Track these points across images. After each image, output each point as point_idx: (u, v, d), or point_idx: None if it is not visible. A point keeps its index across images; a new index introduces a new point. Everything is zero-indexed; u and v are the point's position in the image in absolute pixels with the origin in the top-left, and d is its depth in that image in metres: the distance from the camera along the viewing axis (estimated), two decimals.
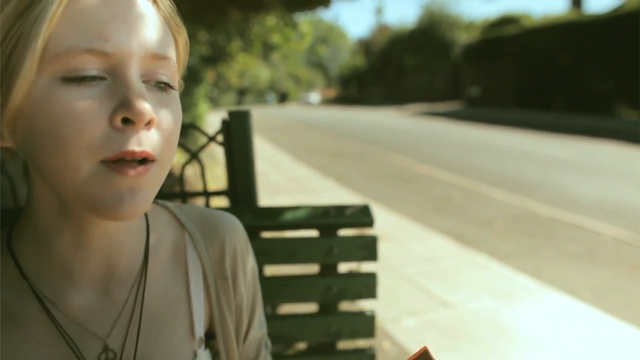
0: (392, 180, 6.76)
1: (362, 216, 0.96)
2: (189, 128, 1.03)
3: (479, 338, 2.42)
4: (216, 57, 9.16)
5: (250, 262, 0.66)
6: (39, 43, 0.40)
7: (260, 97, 44.67)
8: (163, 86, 0.46)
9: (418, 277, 3.20)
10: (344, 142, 11.48)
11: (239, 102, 37.38)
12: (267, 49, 8.90)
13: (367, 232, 1.21)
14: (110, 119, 0.41)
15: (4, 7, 0.41)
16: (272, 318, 0.95)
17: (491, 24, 25.63)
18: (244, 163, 1.02)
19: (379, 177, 7.01)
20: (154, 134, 0.44)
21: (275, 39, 7.54)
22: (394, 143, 10.99)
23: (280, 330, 0.93)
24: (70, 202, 0.46)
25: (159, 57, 0.45)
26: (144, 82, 0.45)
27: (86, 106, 0.41)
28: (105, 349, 0.53)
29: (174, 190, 1.02)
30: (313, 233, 0.97)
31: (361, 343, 1.51)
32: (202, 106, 9.27)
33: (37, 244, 0.51)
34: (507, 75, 21.56)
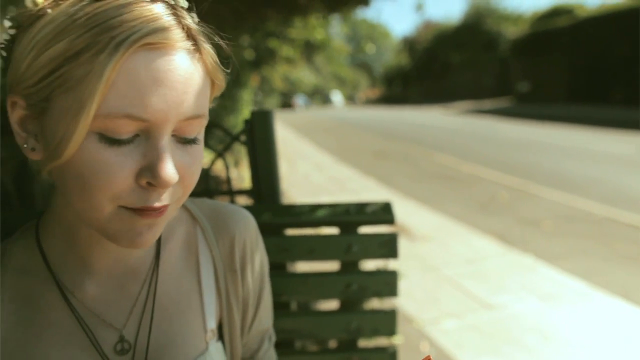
0: (435, 179, 6.63)
1: (382, 213, 0.95)
2: (212, 127, 1.05)
3: (523, 342, 2.33)
4: (260, 60, 9.29)
5: (259, 256, 0.67)
6: (93, 108, 0.40)
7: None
8: (192, 139, 0.47)
9: (460, 278, 3.11)
10: (387, 142, 11.37)
11: (284, 105, 37.75)
12: (310, 50, 8.92)
13: (393, 229, 1.20)
14: (137, 177, 0.44)
15: (51, 45, 0.41)
16: (292, 314, 0.96)
17: (541, 16, 24.65)
18: (266, 162, 1.03)
19: (423, 176, 6.89)
20: (176, 188, 0.47)
21: (318, 35, 7.56)
22: (439, 142, 10.76)
23: (300, 326, 0.93)
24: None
25: (194, 117, 0.46)
26: (173, 135, 0.46)
27: (117, 161, 0.43)
28: (121, 339, 0.55)
29: (198, 189, 1.05)
30: (335, 231, 0.97)
31: (383, 341, 1.49)
32: (246, 112, 9.48)
33: (61, 238, 0.54)
34: (559, 69, 20.60)
